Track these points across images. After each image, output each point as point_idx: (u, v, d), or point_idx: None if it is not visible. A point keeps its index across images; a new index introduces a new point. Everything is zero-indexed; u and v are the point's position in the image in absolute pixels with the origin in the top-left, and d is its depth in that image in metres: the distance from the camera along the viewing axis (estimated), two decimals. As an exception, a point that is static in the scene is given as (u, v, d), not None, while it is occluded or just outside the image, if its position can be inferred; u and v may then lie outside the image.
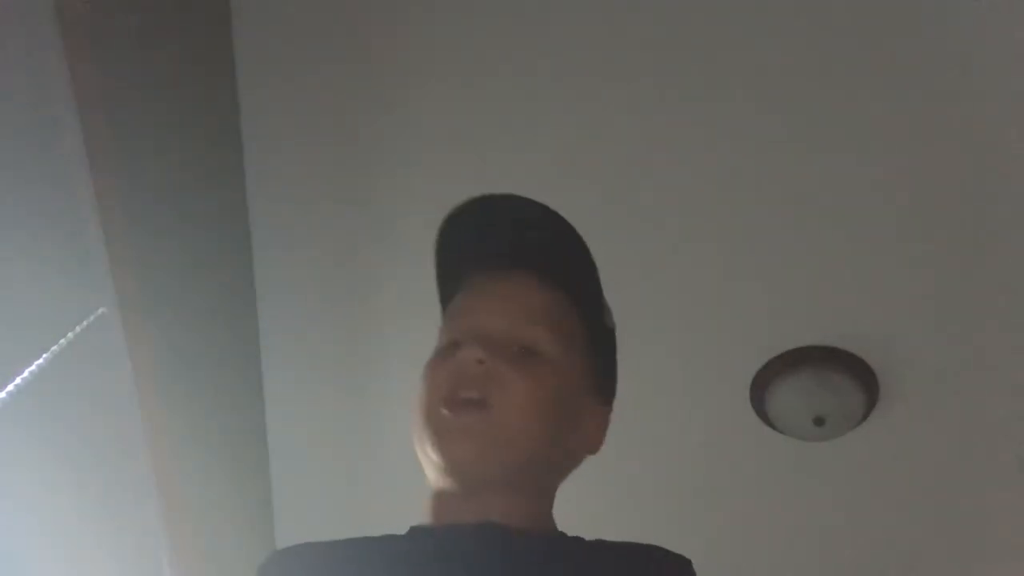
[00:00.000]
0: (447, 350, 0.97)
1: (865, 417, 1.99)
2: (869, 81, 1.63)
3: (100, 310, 1.46)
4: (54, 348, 1.35)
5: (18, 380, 1.27)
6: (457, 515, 0.92)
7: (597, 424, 1.03)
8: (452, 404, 0.92)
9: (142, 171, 1.48)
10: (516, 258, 1.01)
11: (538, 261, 1.01)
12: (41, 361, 1.32)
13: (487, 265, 1.02)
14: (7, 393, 1.25)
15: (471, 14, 1.62)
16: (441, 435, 0.92)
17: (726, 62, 1.63)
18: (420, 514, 0.98)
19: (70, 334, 1.39)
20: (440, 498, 0.95)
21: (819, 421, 1.93)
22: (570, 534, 0.97)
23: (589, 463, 1.16)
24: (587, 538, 0.93)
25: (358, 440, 2.11)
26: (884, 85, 1.63)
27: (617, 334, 1.87)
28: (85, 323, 1.42)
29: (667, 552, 0.93)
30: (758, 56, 1.62)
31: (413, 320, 1.88)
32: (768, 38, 1.61)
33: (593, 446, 1.02)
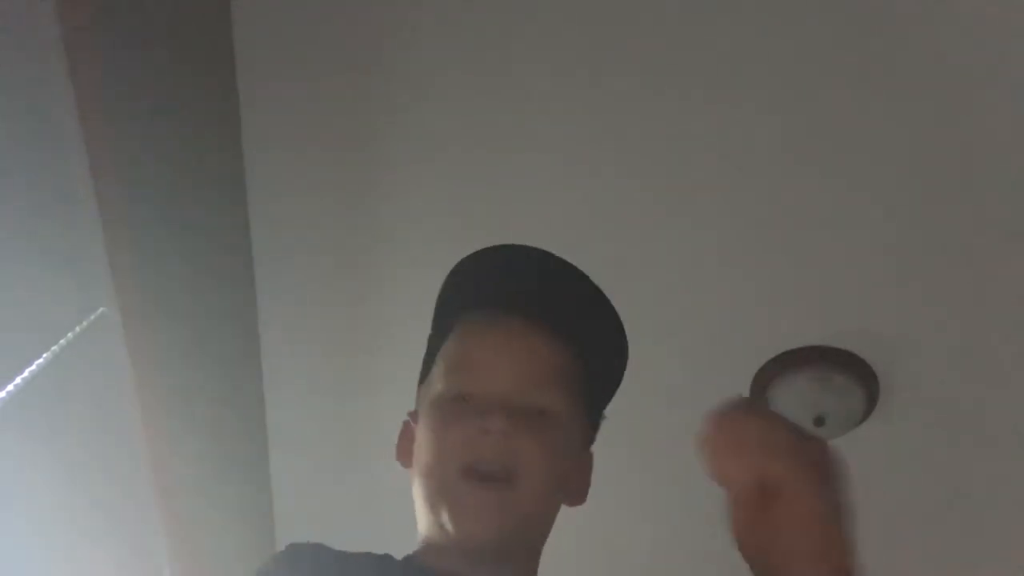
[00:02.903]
0: (458, 404, 0.94)
1: (865, 417, 1.99)
2: (868, 82, 1.63)
3: (100, 310, 1.46)
4: (54, 348, 1.35)
5: (18, 380, 1.27)
6: (457, 570, 0.91)
7: (585, 474, 1.03)
8: (473, 476, 0.89)
9: (142, 171, 1.48)
10: (524, 304, 0.98)
11: (549, 310, 0.98)
12: (41, 361, 1.32)
13: (493, 308, 0.99)
14: (7, 393, 1.25)
15: (474, 18, 1.62)
16: (461, 508, 0.90)
17: (728, 66, 1.63)
18: (414, 539, 0.96)
19: (70, 334, 1.39)
20: (440, 550, 0.93)
21: (819, 421, 1.93)
22: (573, 535, 0.97)
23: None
24: None
25: (358, 439, 2.11)
26: (883, 85, 1.63)
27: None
28: (85, 323, 1.42)
29: None
30: (758, 60, 1.62)
31: (414, 320, 1.88)
32: (767, 43, 1.61)
33: (581, 498, 1.01)
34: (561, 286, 1.00)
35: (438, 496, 0.91)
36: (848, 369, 1.92)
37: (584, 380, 1.00)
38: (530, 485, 0.91)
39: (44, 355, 1.33)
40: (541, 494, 0.92)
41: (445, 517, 0.90)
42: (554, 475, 0.94)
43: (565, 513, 1.05)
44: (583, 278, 1.01)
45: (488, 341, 0.98)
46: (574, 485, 1.00)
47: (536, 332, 0.97)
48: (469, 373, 0.96)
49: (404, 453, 1.03)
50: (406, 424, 1.04)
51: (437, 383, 0.98)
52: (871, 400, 1.97)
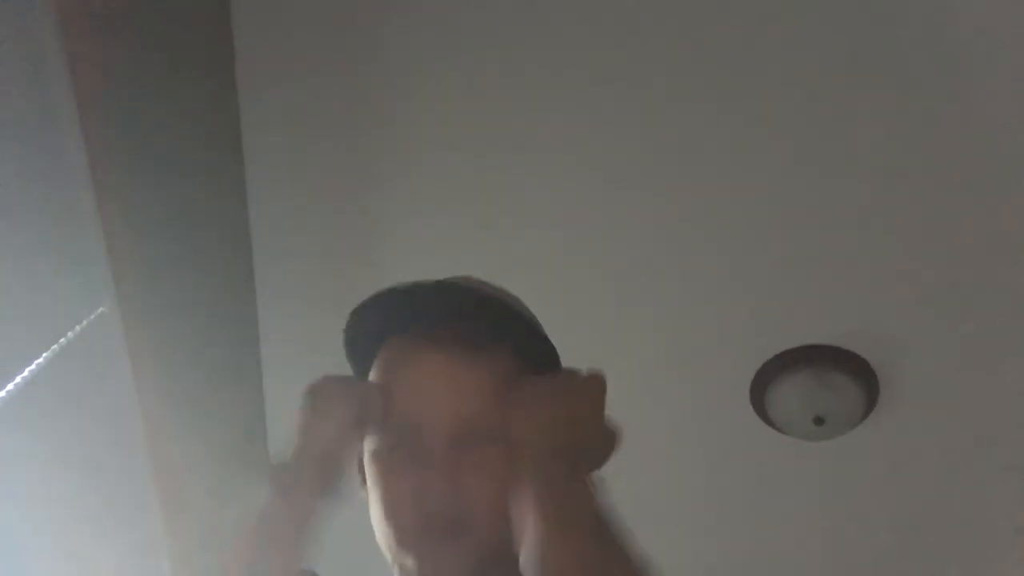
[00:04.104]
0: (395, 455, 0.91)
1: (865, 417, 1.98)
2: (867, 81, 1.63)
3: (100, 310, 1.46)
4: (54, 348, 1.35)
5: (18, 380, 1.27)
6: None
7: None
8: (428, 528, 0.87)
9: (142, 171, 1.47)
10: (433, 331, 0.95)
11: (458, 326, 0.94)
12: (41, 361, 1.32)
13: (403, 342, 0.96)
14: (7, 392, 1.24)
15: (475, 18, 1.62)
16: (424, 562, 0.88)
17: (727, 68, 1.63)
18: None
19: (70, 334, 1.38)
20: None
21: (819, 421, 1.93)
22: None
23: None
24: None
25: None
26: (883, 85, 1.63)
27: (619, 334, 1.86)
28: (85, 323, 1.42)
29: None
30: (756, 62, 1.62)
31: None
32: (765, 45, 1.61)
33: None
34: (458, 300, 0.96)
35: (400, 550, 0.90)
36: (848, 369, 1.92)
37: (517, 371, 0.95)
38: (488, 521, 0.88)
39: (44, 355, 1.33)
40: (499, 526, 0.88)
41: (411, 567, 0.89)
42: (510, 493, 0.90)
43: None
44: (473, 289, 0.98)
45: (413, 379, 0.94)
46: None
47: (460, 356, 0.93)
48: (401, 418, 0.93)
49: (363, 484, 0.99)
50: (358, 458, 1.01)
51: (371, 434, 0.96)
52: (871, 400, 1.97)
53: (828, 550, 2.23)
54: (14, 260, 1.26)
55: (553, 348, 1.00)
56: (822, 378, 1.92)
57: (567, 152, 1.74)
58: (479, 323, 0.95)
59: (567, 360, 1.06)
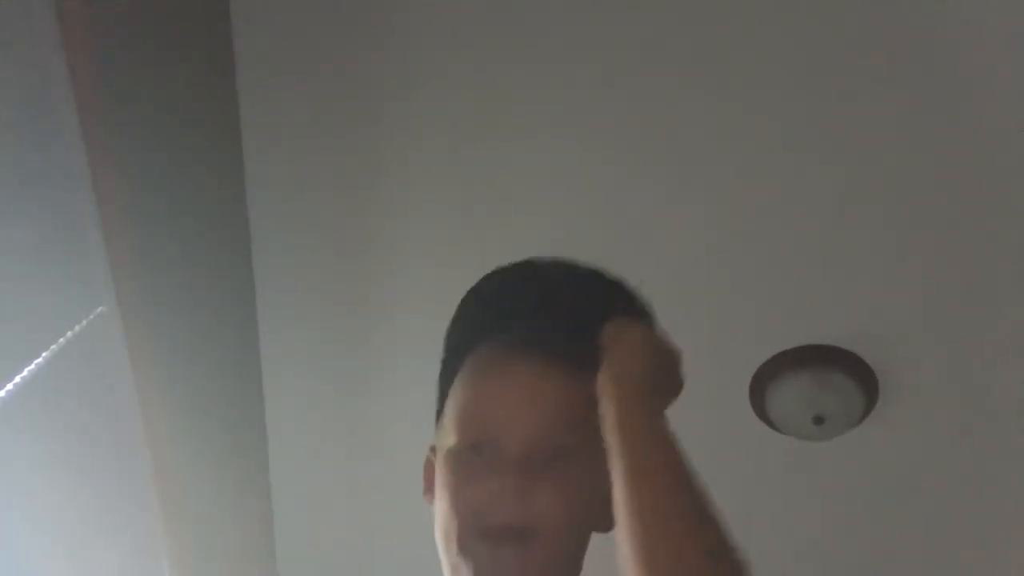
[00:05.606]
0: (471, 458, 0.91)
1: (865, 417, 1.98)
2: (867, 81, 1.63)
3: (100, 310, 1.46)
4: (54, 347, 1.35)
5: (18, 379, 1.27)
6: None
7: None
8: (492, 535, 0.87)
9: (142, 171, 1.48)
10: (532, 340, 0.95)
11: (560, 343, 0.95)
12: (41, 360, 1.32)
13: (502, 344, 0.96)
14: (7, 392, 1.24)
15: (478, 12, 1.62)
16: (481, 571, 0.88)
17: (727, 64, 1.63)
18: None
19: (70, 333, 1.38)
20: None
21: (819, 421, 1.93)
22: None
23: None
24: None
25: (358, 440, 2.11)
26: (883, 84, 1.63)
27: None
28: (85, 323, 1.42)
29: None
30: (756, 58, 1.63)
31: (414, 319, 1.89)
32: (766, 41, 1.61)
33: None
34: (573, 305, 0.98)
35: (459, 557, 0.90)
36: (848, 369, 1.92)
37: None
38: (550, 538, 0.89)
39: (44, 354, 1.33)
40: (564, 541, 0.91)
41: (467, 571, 0.89)
42: (578, 516, 0.92)
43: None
44: (602, 288, 1.01)
45: (496, 388, 0.95)
46: (605, 512, 0.94)
47: (546, 370, 0.94)
48: (480, 424, 0.93)
49: (429, 490, 0.99)
50: (428, 460, 1.01)
51: (450, 432, 0.96)
52: (871, 400, 1.97)
53: (828, 550, 2.23)
54: (14, 260, 1.26)
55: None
56: (822, 378, 1.92)
57: (568, 151, 1.74)
58: (577, 332, 0.95)
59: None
